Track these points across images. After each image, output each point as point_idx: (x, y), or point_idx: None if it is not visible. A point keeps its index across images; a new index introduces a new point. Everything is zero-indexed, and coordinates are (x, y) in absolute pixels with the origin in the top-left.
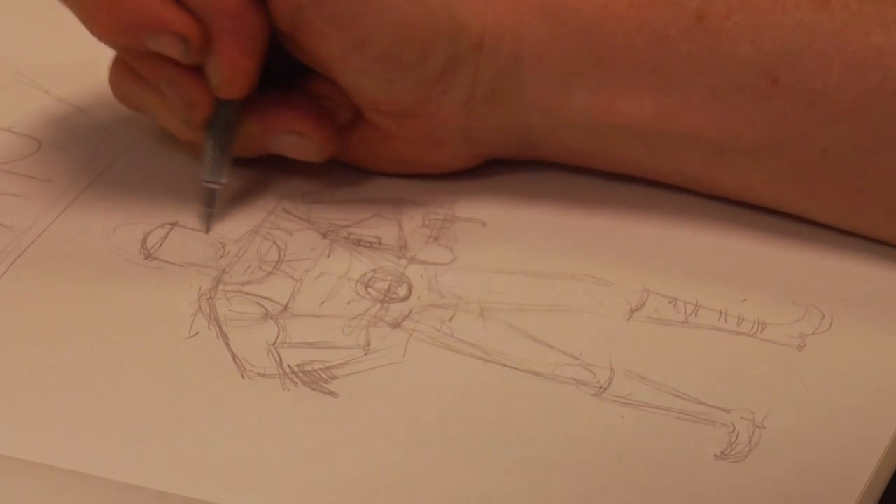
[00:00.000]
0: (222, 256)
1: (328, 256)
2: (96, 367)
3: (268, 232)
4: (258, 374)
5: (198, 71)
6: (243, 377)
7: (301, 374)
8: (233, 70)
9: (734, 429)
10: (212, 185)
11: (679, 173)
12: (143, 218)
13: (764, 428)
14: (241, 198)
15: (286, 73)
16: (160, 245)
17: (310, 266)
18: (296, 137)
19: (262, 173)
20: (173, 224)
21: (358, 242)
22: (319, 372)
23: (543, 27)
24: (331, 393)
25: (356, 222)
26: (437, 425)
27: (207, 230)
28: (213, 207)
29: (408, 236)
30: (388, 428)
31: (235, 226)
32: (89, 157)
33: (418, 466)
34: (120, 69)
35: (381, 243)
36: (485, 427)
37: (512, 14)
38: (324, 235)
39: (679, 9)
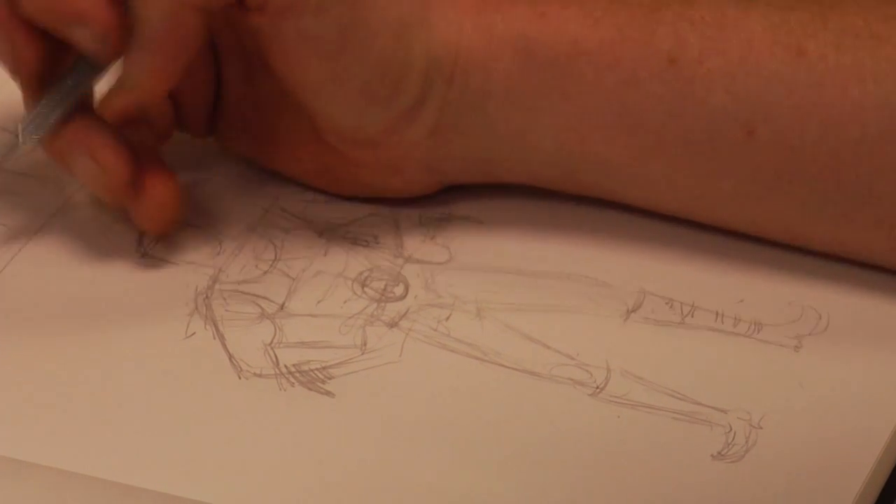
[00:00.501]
0: (219, 254)
1: (324, 255)
2: (93, 368)
3: (264, 230)
4: (255, 374)
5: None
6: (240, 378)
7: (297, 374)
8: (158, 79)
9: (731, 429)
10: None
11: (654, 208)
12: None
13: (761, 428)
14: (237, 196)
15: None
16: (156, 243)
17: (306, 265)
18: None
19: (259, 171)
20: None
21: (354, 241)
22: (316, 372)
23: (514, 62)
24: (327, 393)
25: (353, 221)
26: (433, 425)
27: None
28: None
29: (404, 235)
30: (385, 427)
31: (232, 224)
32: None
33: (415, 466)
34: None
35: (377, 242)
36: (481, 427)
37: (483, 48)
38: (320, 234)
39: (650, 50)
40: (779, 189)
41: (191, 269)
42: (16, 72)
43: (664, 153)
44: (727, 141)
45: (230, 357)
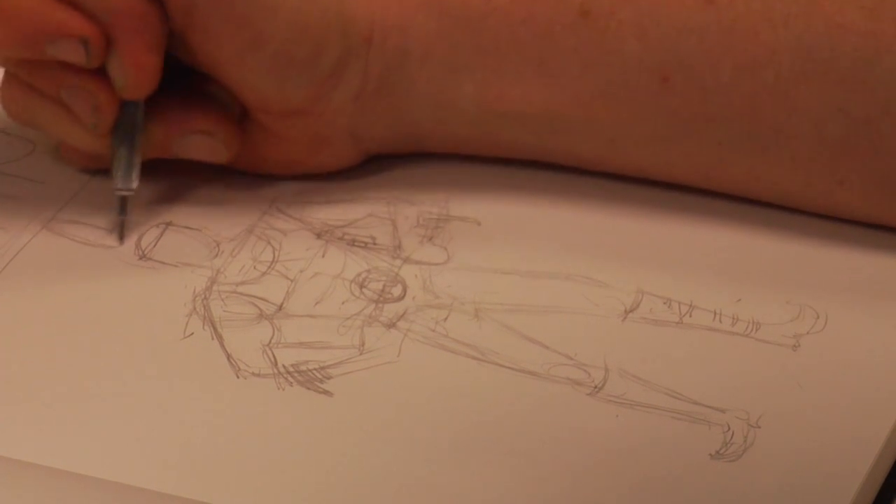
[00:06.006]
0: (217, 256)
1: (322, 256)
2: (91, 369)
3: (262, 232)
4: (253, 374)
5: (100, 73)
6: (238, 377)
7: (296, 374)
8: (138, 68)
9: (729, 429)
10: (124, 193)
11: (569, 157)
12: (138, 218)
13: (759, 428)
14: (235, 198)
15: (179, 75)
16: (154, 245)
17: (304, 266)
18: (202, 137)
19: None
20: (167, 224)
21: (352, 242)
22: (314, 372)
23: (429, 20)
24: (326, 393)
25: (350, 222)
26: (431, 425)
27: (121, 240)
28: (125, 215)
29: (402, 236)
30: (383, 427)
31: (230, 225)
32: None
33: (413, 466)
34: (11, 85)
35: (375, 243)
36: (479, 427)
37: (398, 8)
38: (318, 236)
39: (563, 4)
40: (694, 130)
41: (189, 271)
42: (97, 126)
43: (581, 103)
44: (642, 88)
45: (228, 357)
